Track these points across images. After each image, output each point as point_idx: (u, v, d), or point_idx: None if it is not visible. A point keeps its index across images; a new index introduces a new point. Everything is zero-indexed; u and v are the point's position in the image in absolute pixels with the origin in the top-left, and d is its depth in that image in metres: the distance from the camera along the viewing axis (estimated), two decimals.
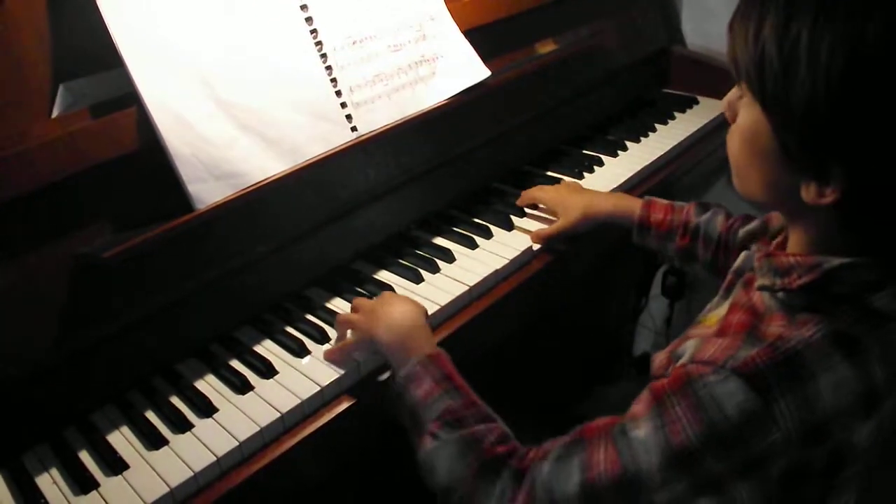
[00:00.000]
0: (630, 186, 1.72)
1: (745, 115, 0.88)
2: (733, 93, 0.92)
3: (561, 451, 0.94)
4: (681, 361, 0.91)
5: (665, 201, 1.44)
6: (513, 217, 1.57)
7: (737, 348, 0.84)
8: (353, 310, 1.24)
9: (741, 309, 0.92)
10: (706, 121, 1.97)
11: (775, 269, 0.89)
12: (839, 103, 0.76)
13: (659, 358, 1.04)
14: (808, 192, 0.82)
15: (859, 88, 0.75)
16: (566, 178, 1.72)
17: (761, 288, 0.91)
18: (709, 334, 0.92)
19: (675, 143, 1.86)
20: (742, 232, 1.30)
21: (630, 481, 0.87)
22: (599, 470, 0.89)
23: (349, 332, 1.22)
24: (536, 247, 1.48)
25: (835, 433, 0.84)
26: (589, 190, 1.58)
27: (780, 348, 0.82)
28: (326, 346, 1.24)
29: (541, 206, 1.59)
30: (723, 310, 1.00)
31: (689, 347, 0.93)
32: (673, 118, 2.01)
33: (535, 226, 1.53)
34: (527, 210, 1.60)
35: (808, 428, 0.82)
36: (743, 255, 1.08)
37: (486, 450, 0.99)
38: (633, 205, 1.45)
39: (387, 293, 1.26)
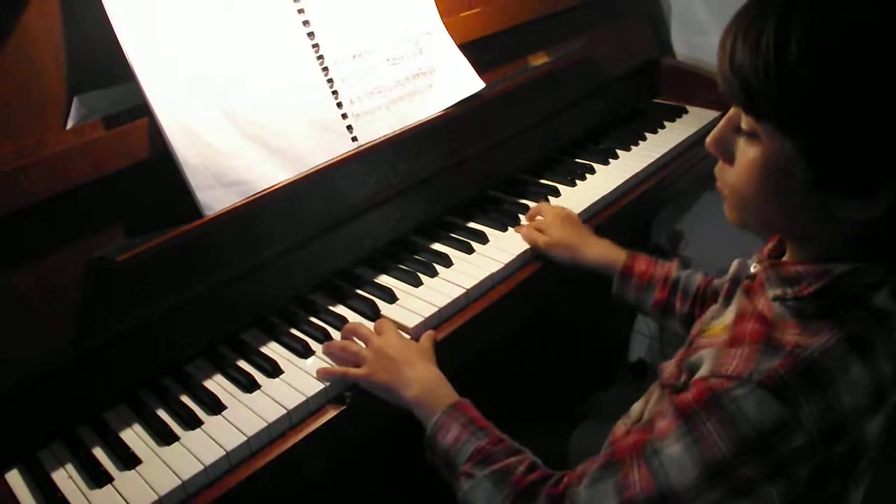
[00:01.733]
0: (621, 193, 1.78)
1: (759, 149, 0.86)
2: (723, 131, 0.91)
3: (595, 474, 0.95)
4: (700, 374, 0.92)
5: (648, 257, 1.46)
6: (508, 223, 1.61)
7: (757, 360, 0.86)
8: (356, 333, 1.27)
9: (750, 317, 0.94)
10: (695, 130, 2.01)
11: (784, 279, 0.91)
12: (885, 117, 0.76)
13: (668, 368, 1.06)
14: (847, 209, 0.82)
15: None
16: (560, 186, 1.76)
17: (775, 299, 0.92)
18: (719, 343, 0.94)
19: (664, 151, 1.91)
20: (719, 283, 1.31)
21: (665, 497, 0.89)
22: (635, 491, 0.90)
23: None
24: (530, 251, 1.52)
25: (851, 430, 0.87)
26: (582, 229, 1.57)
27: (799, 356, 0.85)
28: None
29: (538, 217, 1.60)
30: (727, 318, 1.01)
31: (704, 359, 0.94)
32: (663, 127, 2.06)
33: None
34: (521, 217, 1.64)
35: (829, 428, 0.84)
36: (736, 262, 1.09)
37: (518, 480, 1.01)
38: (618, 255, 1.46)
39: (389, 331, 1.27)
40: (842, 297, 0.88)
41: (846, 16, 0.76)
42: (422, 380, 1.18)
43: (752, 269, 1.02)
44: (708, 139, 0.93)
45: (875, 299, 0.87)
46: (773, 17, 0.79)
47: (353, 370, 1.22)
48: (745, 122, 0.87)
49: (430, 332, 1.30)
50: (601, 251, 1.49)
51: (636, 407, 1.20)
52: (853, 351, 0.85)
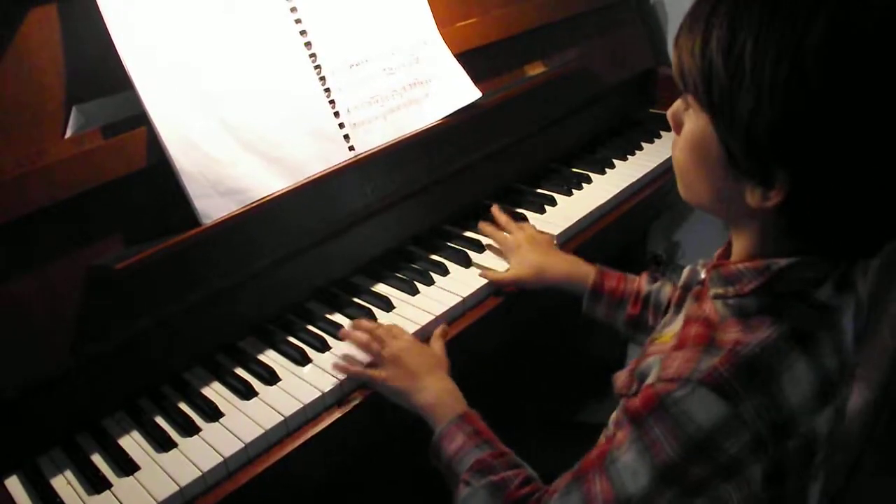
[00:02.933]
0: (617, 203, 1.79)
1: (690, 124, 0.90)
2: (678, 104, 0.94)
3: (564, 488, 0.98)
4: (648, 381, 0.93)
5: (617, 272, 1.45)
6: (504, 233, 1.61)
7: (697, 360, 0.87)
8: (371, 332, 1.29)
9: (696, 321, 0.95)
10: None
11: (725, 278, 0.92)
12: (782, 112, 0.78)
13: (621, 378, 1.06)
14: (752, 197, 0.85)
15: (800, 97, 0.77)
16: (556, 195, 1.77)
17: (715, 297, 0.93)
18: (667, 350, 0.95)
19: (660, 161, 1.92)
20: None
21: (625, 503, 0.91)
22: (598, 502, 0.93)
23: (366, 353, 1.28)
24: None
25: (800, 425, 0.88)
26: (546, 247, 1.55)
27: (740, 353, 0.85)
28: (327, 355, 1.30)
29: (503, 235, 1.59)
30: (677, 325, 1.02)
31: (652, 366, 0.96)
32: (659, 137, 2.07)
33: None
34: None
35: (776, 424, 0.85)
36: (687, 269, 1.10)
37: (511, 493, 1.04)
38: (587, 272, 1.44)
39: (408, 342, 1.28)
40: (783, 293, 0.89)
41: (754, 21, 0.79)
42: (435, 389, 1.21)
43: (702, 275, 1.03)
44: (668, 110, 0.97)
45: (818, 294, 0.89)
46: (706, 11, 0.84)
47: (369, 371, 1.24)
48: (684, 100, 0.91)
49: (441, 342, 1.32)
50: (567, 269, 1.48)
51: (613, 417, 1.20)
52: (796, 345, 0.86)
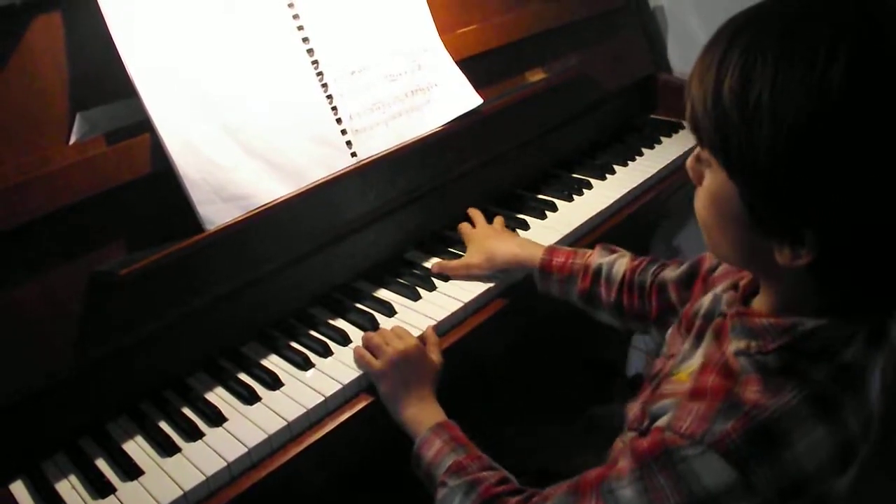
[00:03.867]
0: (618, 208, 1.79)
1: (710, 179, 0.84)
2: (696, 155, 0.87)
3: (557, 499, 0.97)
4: (659, 424, 0.90)
5: (568, 248, 1.44)
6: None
7: (711, 420, 0.83)
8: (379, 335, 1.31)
9: (715, 369, 0.90)
10: (691, 145, 1.98)
11: (749, 331, 0.88)
12: (806, 167, 0.73)
13: (633, 411, 1.04)
14: (781, 256, 0.79)
15: (824, 149, 0.72)
16: (557, 201, 1.78)
17: (738, 353, 0.88)
18: (683, 392, 0.91)
19: (661, 166, 1.92)
20: (670, 277, 1.28)
21: None
22: None
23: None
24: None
25: (813, 489, 0.84)
26: (500, 234, 1.59)
27: (756, 418, 0.81)
28: (330, 360, 1.31)
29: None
30: (695, 362, 0.98)
31: (666, 409, 0.92)
32: (659, 143, 2.07)
33: None
34: (519, 232, 1.65)
35: (786, 491, 0.82)
36: (710, 296, 1.04)
37: (487, 489, 1.06)
38: (535, 251, 1.45)
39: (410, 347, 1.28)
40: (808, 353, 0.84)
41: (769, 66, 0.74)
42: (418, 402, 1.23)
43: (724, 307, 0.98)
44: (686, 161, 0.91)
45: (845, 354, 0.84)
46: (718, 58, 0.79)
47: (369, 356, 1.27)
48: (701, 151, 0.85)
49: (438, 351, 1.33)
50: (514, 250, 1.48)
51: (618, 445, 1.17)
52: (816, 412, 0.82)
